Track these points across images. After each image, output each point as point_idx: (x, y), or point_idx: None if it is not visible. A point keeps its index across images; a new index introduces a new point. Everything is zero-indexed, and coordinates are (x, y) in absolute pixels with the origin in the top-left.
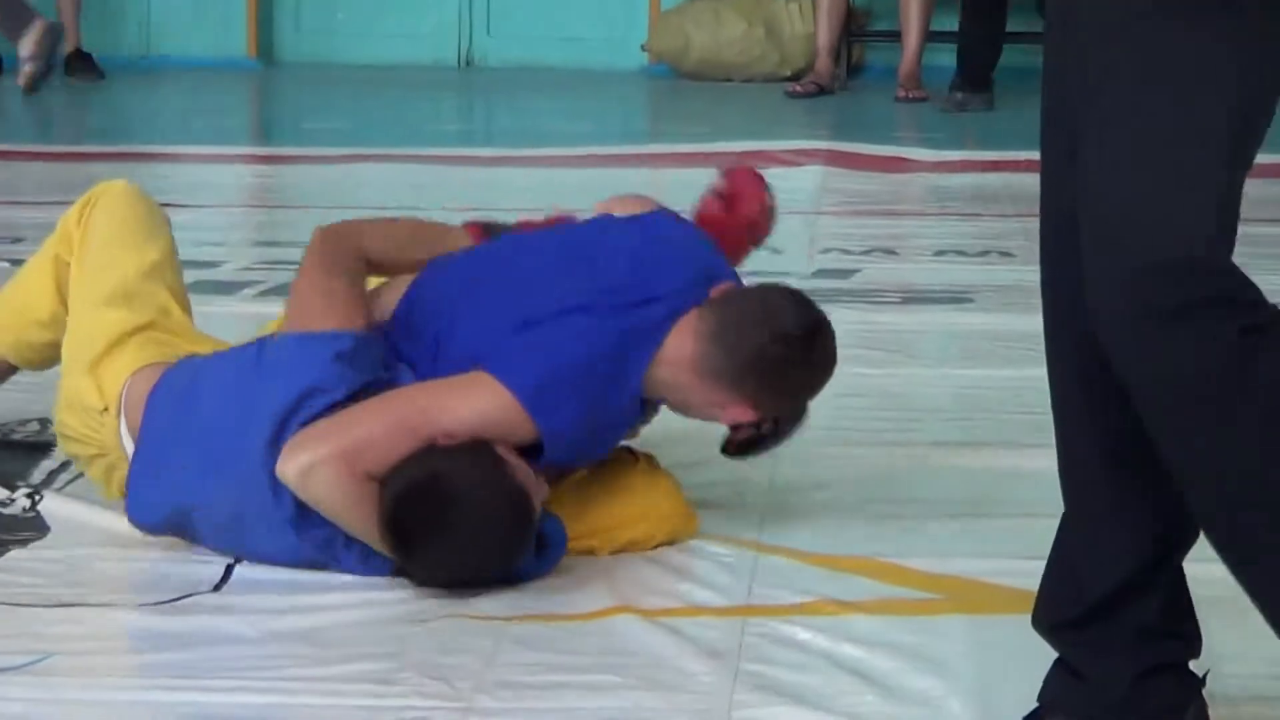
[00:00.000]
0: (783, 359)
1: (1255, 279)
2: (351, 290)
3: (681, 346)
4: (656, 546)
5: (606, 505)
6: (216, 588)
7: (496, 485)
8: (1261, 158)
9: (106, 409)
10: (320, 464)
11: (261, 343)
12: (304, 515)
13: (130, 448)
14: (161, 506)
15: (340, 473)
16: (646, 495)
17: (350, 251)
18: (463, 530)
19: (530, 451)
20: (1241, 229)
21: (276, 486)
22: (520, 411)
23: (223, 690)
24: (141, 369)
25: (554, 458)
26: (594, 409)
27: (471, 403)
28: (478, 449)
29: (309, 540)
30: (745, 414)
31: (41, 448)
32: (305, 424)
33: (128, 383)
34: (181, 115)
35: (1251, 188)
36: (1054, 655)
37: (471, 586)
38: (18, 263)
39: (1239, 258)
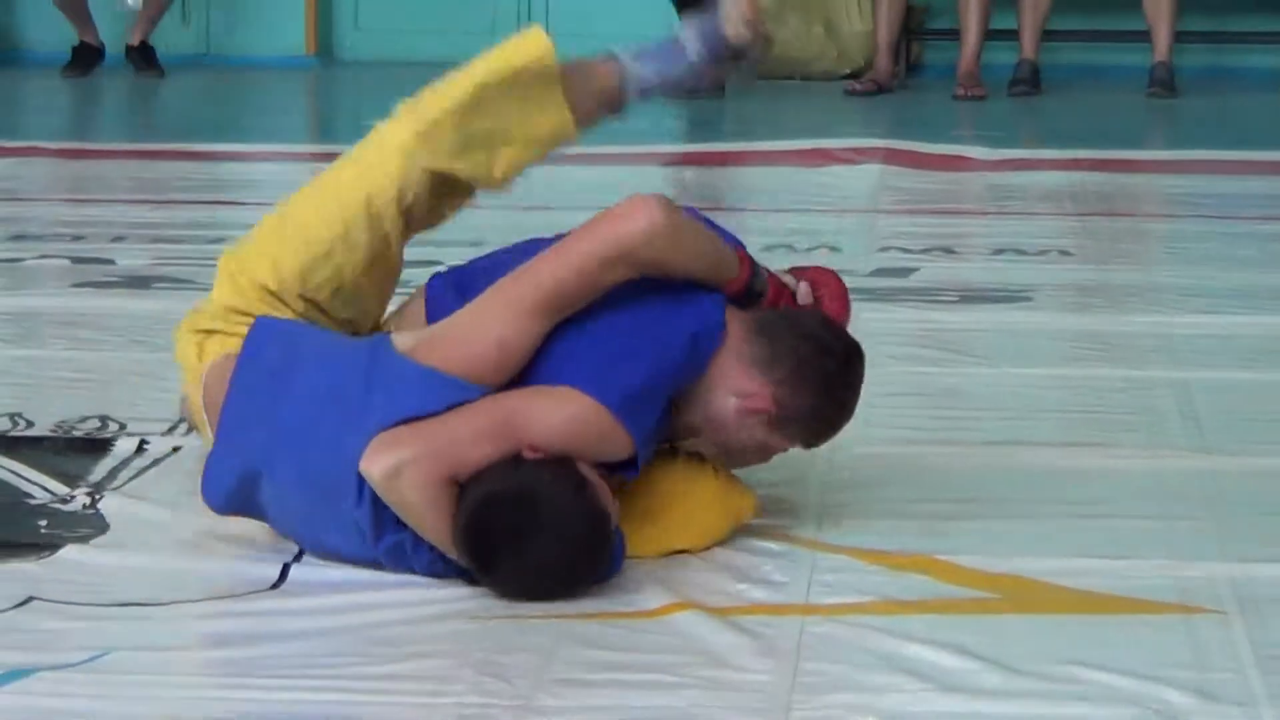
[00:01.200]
0: (817, 360)
1: (1266, 274)
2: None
3: (732, 334)
4: (708, 548)
5: (658, 511)
6: (274, 586)
7: (579, 506)
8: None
9: (196, 373)
10: (407, 464)
11: (376, 350)
12: (379, 523)
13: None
14: (231, 473)
15: (428, 473)
16: (690, 498)
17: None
18: (539, 547)
19: (608, 466)
20: (1253, 226)
21: (359, 500)
22: (613, 424)
23: (281, 688)
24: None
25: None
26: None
27: (562, 414)
28: (565, 466)
29: (380, 547)
30: (764, 403)
31: (101, 445)
32: None
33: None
34: (240, 112)
35: (1262, 185)
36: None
37: (535, 602)
38: (80, 260)
39: (1249, 254)
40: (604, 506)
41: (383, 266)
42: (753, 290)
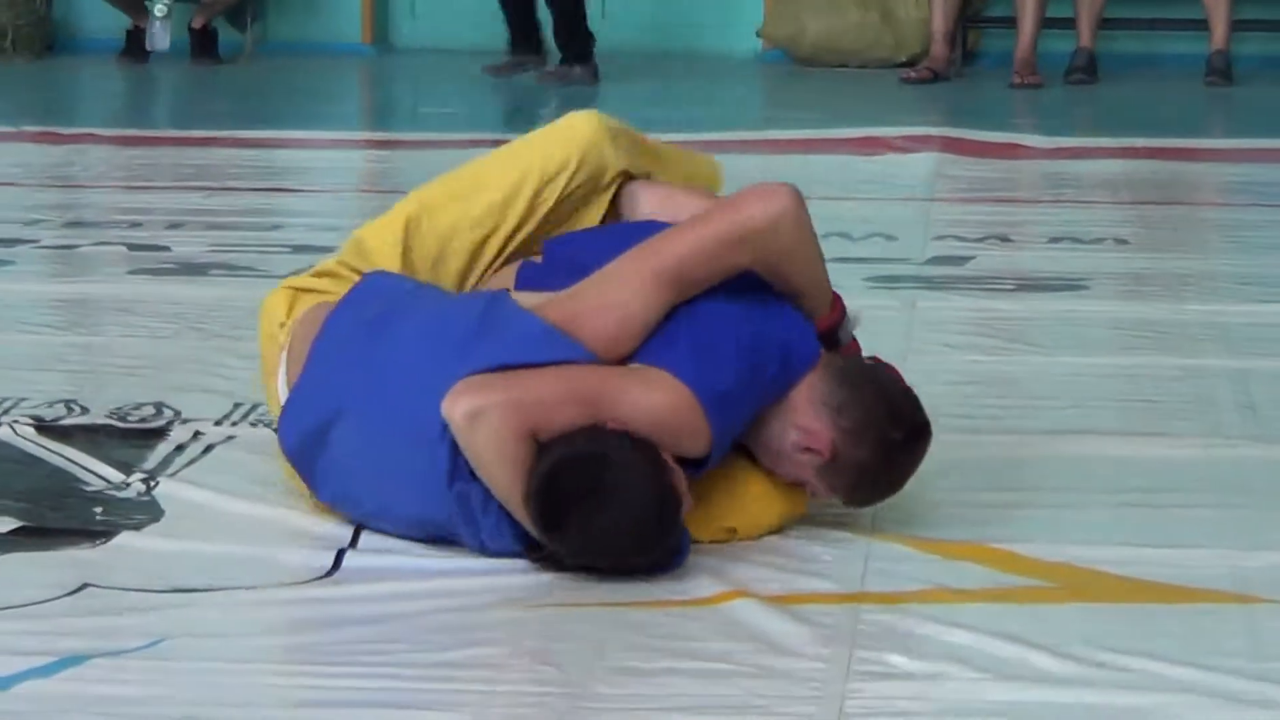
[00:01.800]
0: (887, 422)
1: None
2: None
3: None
4: (761, 537)
5: (710, 494)
6: (328, 574)
7: (655, 482)
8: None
9: (284, 325)
10: (491, 409)
11: (495, 301)
12: (455, 468)
13: (283, 377)
14: (313, 413)
15: (509, 423)
16: (743, 486)
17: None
18: (609, 514)
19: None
20: (1262, 213)
21: (442, 435)
22: (701, 419)
23: (336, 675)
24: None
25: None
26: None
27: (653, 395)
28: (646, 444)
29: (450, 496)
30: (822, 445)
31: (156, 432)
32: None
33: (306, 314)
34: (297, 100)
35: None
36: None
37: (589, 571)
38: (136, 247)
39: (1266, 239)
40: (679, 490)
41: (507, 243)
42: (838, 333)
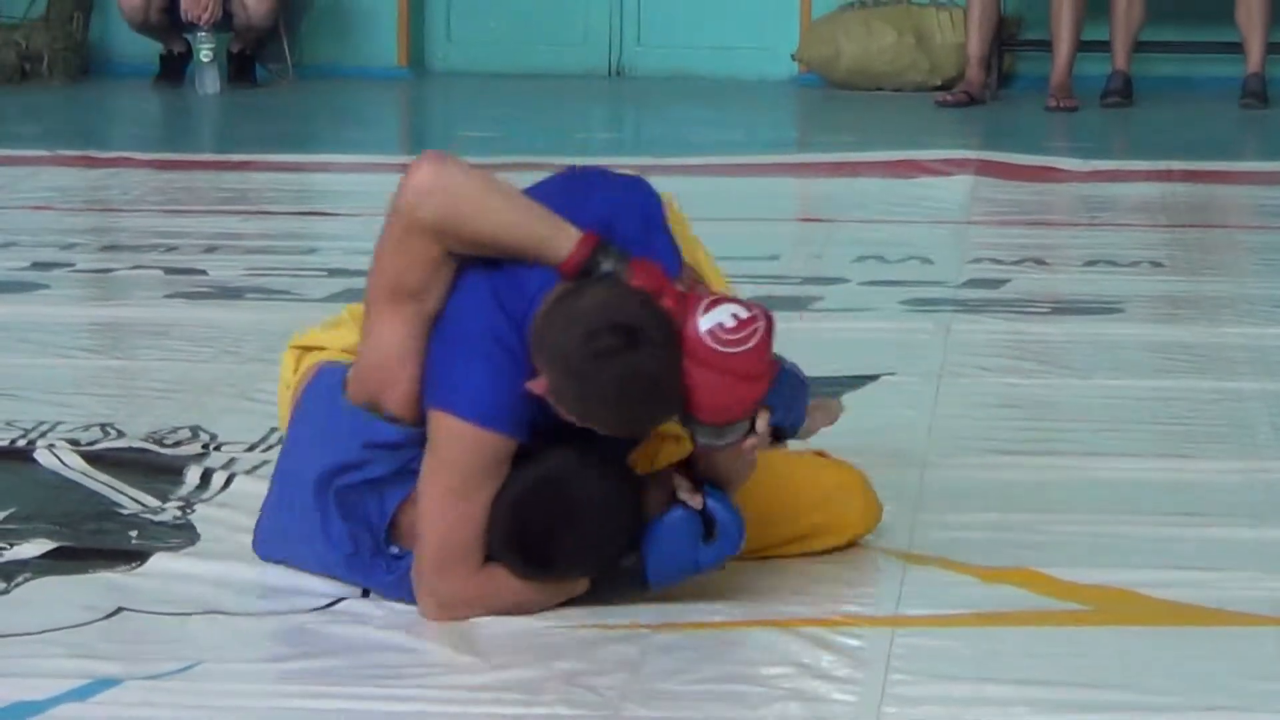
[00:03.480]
0: (572, 343)
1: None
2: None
3: None
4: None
5: (779, 508)
6: (363, 595)
7: (605, 481)
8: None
9: (289, 385)
10: (441, 590)
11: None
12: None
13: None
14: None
15: (462, 579)
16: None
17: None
18: (583, 529)
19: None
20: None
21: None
22: (478, 432)
23: (370, 698)
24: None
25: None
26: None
27: (440, 443)
28: (584, 448)
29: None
30: (541, 387)
31: (193, 456)
32: (340, 492)
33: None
34: (333, 124)
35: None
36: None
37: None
38: (172, 271)
39: (1251, 264)
40: (618, 472)
41: None
42: (591, 271)
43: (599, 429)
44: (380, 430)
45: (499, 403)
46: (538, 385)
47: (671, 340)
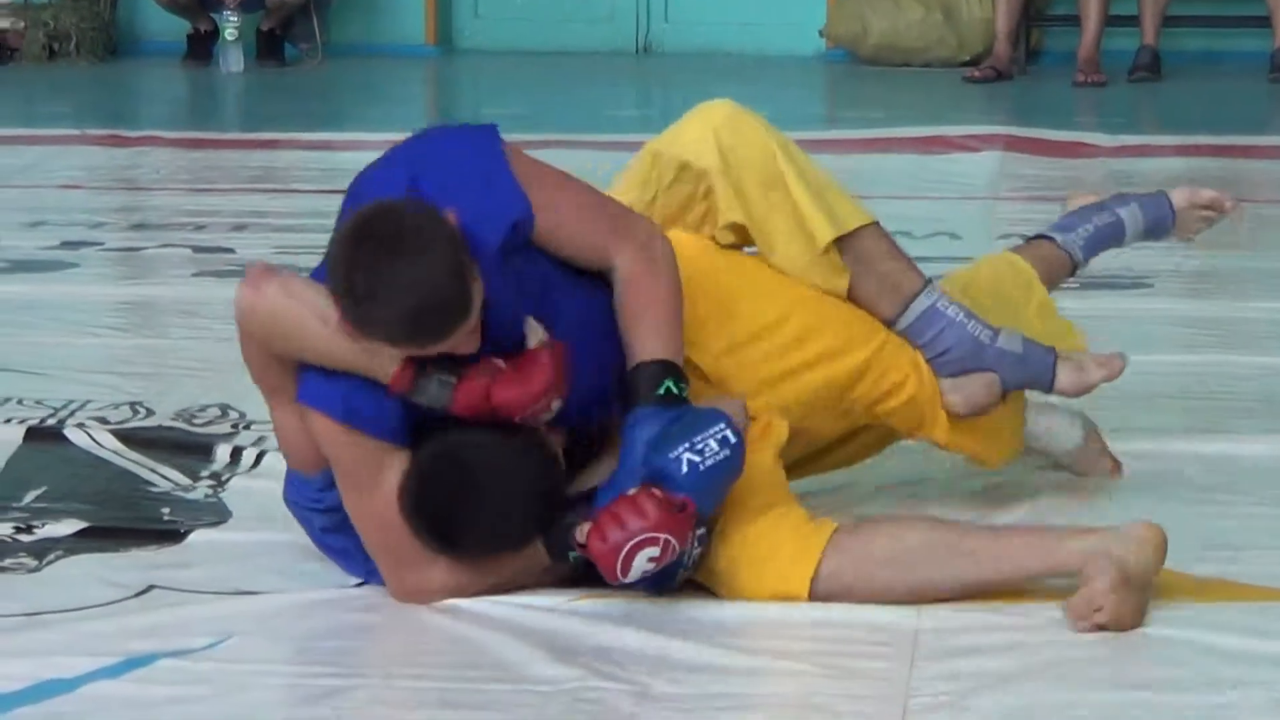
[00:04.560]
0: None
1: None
2: None
3: None
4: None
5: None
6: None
7: (498, 441)
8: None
9: None
10: (400, 586)
11: None
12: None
13: None
14: None
15: (414, 571)
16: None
17: None
18: (492, 506)
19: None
20: (1255, 209)
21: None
22: (339, 428)
23: (400, 676)
24: None
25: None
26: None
27: (325, 449)
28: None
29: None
30: (337, 313)
31: (223, 434)
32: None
33: None
34: (361, 102)
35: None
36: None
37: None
38: (200, 249)
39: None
40: (548, 445)
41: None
42: (416, 393)
43: (388, 342)
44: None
45: (364, 400)
46: (397, 381)
47: (447, 238)
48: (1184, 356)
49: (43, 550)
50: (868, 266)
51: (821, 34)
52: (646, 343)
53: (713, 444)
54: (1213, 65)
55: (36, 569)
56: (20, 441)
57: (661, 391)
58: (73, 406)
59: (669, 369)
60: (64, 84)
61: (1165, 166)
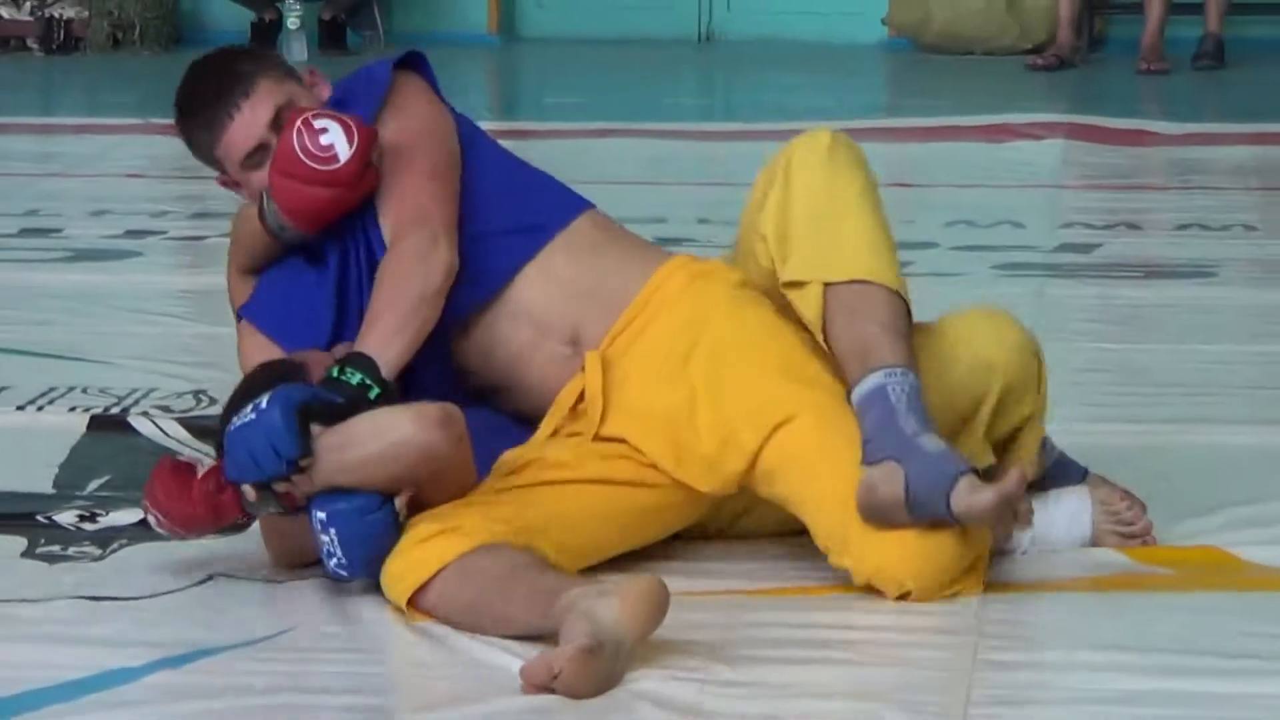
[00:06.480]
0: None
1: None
2: None
3: None
4: None
5: None
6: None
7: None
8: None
9: None
10: None
11: None
12: None
13: None
14: None
15: None
16: None
17: None
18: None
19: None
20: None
21: None
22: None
23: (457, 664)
24: None
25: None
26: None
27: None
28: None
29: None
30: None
31: None
32: None
33: None
34: None
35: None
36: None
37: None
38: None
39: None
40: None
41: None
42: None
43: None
44: None
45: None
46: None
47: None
48: (1249, 346)
49: (106, 539)
50: (851, 320)
51: (884, 22)
52: (368, 335)
53: (249, 409)
54: (1277, 53)
55: (100, 557)
56: (84, 430)
57: (335, 374)
58: (137, 395)
59: (360, 361)
60: (128, 73)
61: (1229, 155)
